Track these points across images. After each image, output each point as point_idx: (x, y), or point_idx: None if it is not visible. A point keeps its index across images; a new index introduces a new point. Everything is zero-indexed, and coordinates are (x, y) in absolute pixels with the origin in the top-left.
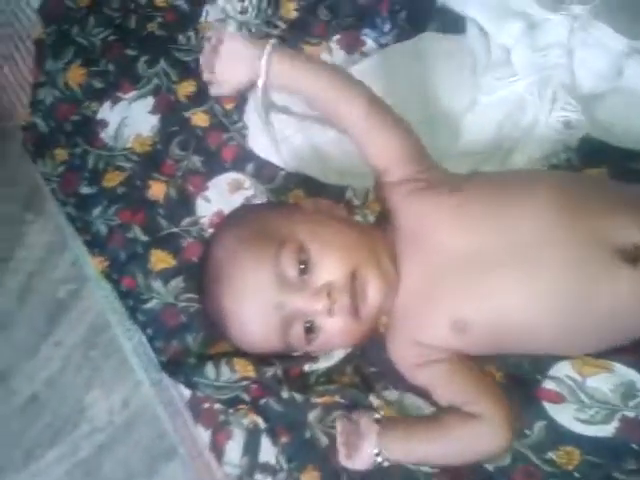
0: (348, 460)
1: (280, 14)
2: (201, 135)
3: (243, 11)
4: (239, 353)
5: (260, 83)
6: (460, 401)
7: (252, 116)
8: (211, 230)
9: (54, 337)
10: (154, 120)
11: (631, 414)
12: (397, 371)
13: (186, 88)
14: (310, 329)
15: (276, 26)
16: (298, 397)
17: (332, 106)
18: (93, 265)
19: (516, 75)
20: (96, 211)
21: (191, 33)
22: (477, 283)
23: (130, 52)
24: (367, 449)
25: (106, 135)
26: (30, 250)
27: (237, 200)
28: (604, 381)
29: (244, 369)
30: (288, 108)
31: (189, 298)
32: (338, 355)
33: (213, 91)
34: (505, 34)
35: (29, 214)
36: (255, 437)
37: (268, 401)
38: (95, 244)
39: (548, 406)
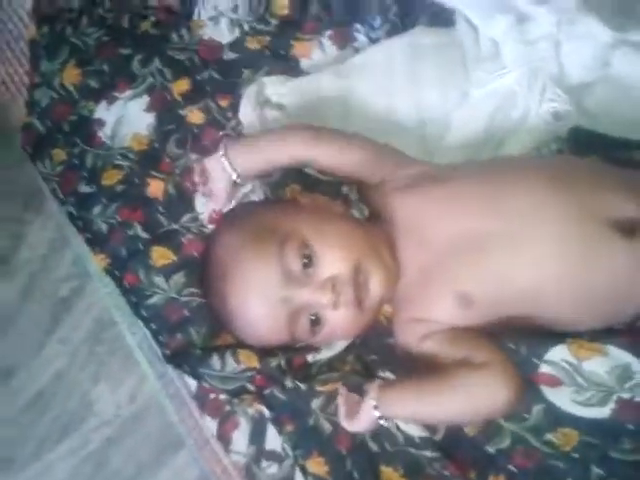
0: (348, 420)
1: (272, 10)
2: (197, 132)
3: (234, 9)
4: (243, 345)
5: (234, 177)
6: (464, 355)
7: (247, 112)
8: (210, 226)
9: (58, 334)
10: (150, 118)
11: (627, 396)
12: (398, 358)
13: (181, 86)
14: (315, 321)
15: (268, 23)
16: (302, 386)
17: (287, 154)
18: (95, 263)
19: (506, 68)
20: (96, 209)
21: (184, 31)
22: (476, 261)
23: (124, 51)
24: (366, 404)
25: (103, 134)
26: (31, 250)
27: (235, 196)
28: (600, 364)
29: (248, 360)
30: (282, 105)
31: (191, 292)
32: (340, 345)
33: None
34: (494, 28)
35: (29, 214)
36: (261, 426)
37: (272, 391)
38: (96, 242)
39: (545, 389)
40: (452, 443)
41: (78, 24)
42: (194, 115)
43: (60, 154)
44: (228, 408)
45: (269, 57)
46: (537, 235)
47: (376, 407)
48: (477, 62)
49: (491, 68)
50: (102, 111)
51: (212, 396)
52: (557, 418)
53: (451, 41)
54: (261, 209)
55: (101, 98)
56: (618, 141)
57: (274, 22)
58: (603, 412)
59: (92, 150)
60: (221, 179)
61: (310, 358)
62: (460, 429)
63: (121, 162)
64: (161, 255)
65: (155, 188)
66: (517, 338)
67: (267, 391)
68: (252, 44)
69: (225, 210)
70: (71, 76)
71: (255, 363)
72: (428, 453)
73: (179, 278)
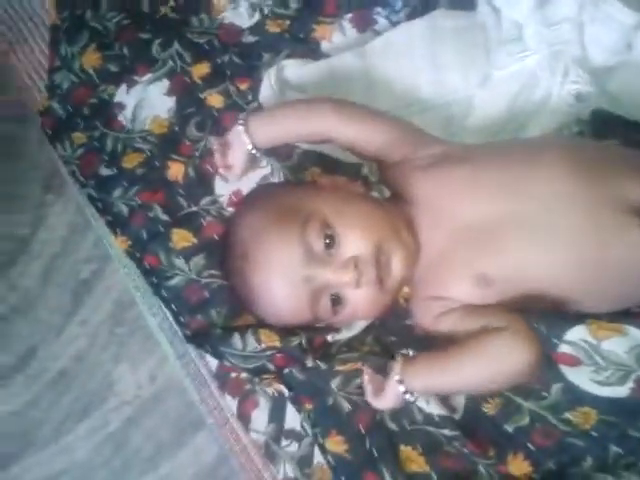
0: (375, 397)
1: None
2: (217, 116)
3: None
4: (264, 324)
5: (249, 147)
6: (482, 324)
7: (267, 95)
8: (230, 209)
9: (79, 316)
10: (170, 102)
11: None
12: (416, 339)
13: (200, 70)
14: (337, 301)
15: (288, 6)
16: (322, 365)
17: (308, 127)
18: (116, 245)
19: (528, 50)
20: (116, 192)
21: (204, 15)
22: (495, 244)
23: (144, 35)
24: (391, 380)
25: (124, 118)
26: (52, 232)
27: (254, 179)
28: (619, 344)
29: (269, 339)
30: (303, 86)
31: (211, 274)
32: (359, 325)
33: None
34: (516, 10)
35: (50, 196)
36: (280, 405)
37: (291, 370)
38: (117, 224)
39: (565, 369)
40: (471, 422)
41: (98, 8)
42: (214, 98)
43: (80, 137)
44: (248, 387)
45: (289, 40)
46: (556, 220)
47: (401, 381)
48: (499, 44)
49: (513, 50)
50: (122, 95)
51: (233, 375)
52: (576, 397)
53: (472, 24)
54: (282, 190)
55: (121, 82)
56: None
57: (294, 5)
58: (622, 391)
59: (112, 133)
60: (239, 149)
61: (330, 338)
62: (479, 408)
63: (141, 145)
64: (181, 237)
65: (175, 171)
66: (537, 318)
67: (286, 371)
68: (272, 27)
69: (240, 182)
70: (91, 60)
71: (276, 342)
72: (447, 432)
73: (199, 260)
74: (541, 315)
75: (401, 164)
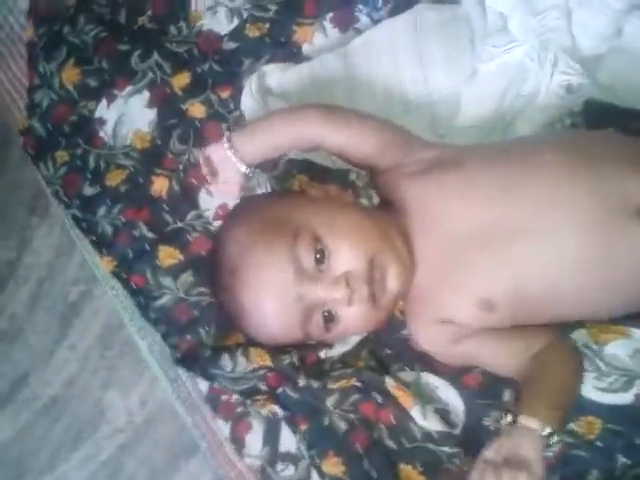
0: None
1: None
2: (199, 126)
3: None
4: (254, 343)
5: (243, 169)
6: (521, 354)
7: (249, 103)
8: (216, 223)
9: (69, 341)
10: (151, 114)
11: None
12: (412, 352)
13: (181, 80)
14: (329, 318)
15: (267, 9)
16: (315, 384)
17: (296, 135)
18: (102, 265)
19: (515, 41)
20: (101, 211)
21: (182, 24)
22: (495, 257)
23: (123, 47)
24: (531, 440)
25: (105, 134)
26: (37, 255)
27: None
28: (622, 347)
29: (260, 358)
30: (285, 92)
31: (200, 292)
32: (353, 340)
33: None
34: (501, 1)
35: (34, 218)
36: (275, 426)
37: (285, 390)
38: (102, 244)
39: None
40: (471, 437)
41: (75, 22)
42: (195, 109)
43: (63, 155)
44: (240, 409)
45: (270, 44)
46: (557, 225)
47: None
48: (484, 37)
49: (499, 42)
50: (103, 110)
51: (224, 398)
52: (579, 406)
53: (456, 16)
54: (270, 202)
55: (101, 97)
56: (634, 111)
57: (273, 8)
58: (626, 398)
59: (94, 150)
60: (231, 171)
61: (323, 354)
62: (479, 422)
63: (124, 161)
64: (168, 255)
65: (159, 186)
66: None
67: (280, 390)
68: (252, 32)
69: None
70: (70, 76)
71: (267, 361)
72: (447, 449)
73: (187, 277)
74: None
75: (392, 170)
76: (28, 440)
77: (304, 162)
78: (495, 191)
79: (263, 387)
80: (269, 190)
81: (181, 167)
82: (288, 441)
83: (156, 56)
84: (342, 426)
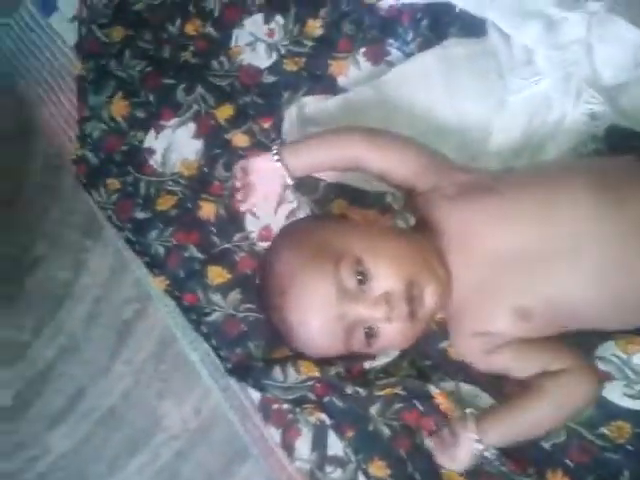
0: (447, 459)
1: (305, 32)
2: (243, 155)
3: (270, 33)
4: (302, 356)
5: (289, 181)
6: (540, 366)
7: (289, 132)
8: (260, 244)
9: (124, 356)
10: (198, 144)
11: None
12: (452, 362)
13: (224, 112)
14: (370, 334)
15: (303, 45)
16: (361, 392)
17: (339, 155)
18: (155, 284)
19: (540, 74)
20: (152, 234)
21: (223, 58)
22: (534, 272)
23: (167, 81)
24: (466, 439)
25: (154, 162)
26: (93, 275)
27: (282, 213)
28: None
29: (309, 370)
30: (323, 121)
31: (248, 308)
32: (395, 351)
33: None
34: (525, 35)
35: (88, 241)
36: (322, 432)
37: (331, 399)
38: (155, 265)
39: None
40: None
41: (121, 57)
42: (239, 138)
43: (114, 183)
44: (290, 417)
45: (307, 78)
46: (587, 246)
47: (479, 440)
48: (511, 69)
49: (526, 74)
50: (151, 140)
51: (275, 406)
52: (610, 412)
53: (483, 50)
54: (315, 226)
55: (149, 127)
56: None
57: (309, 43)
58: None
59: (145, 177)
60: (272, 185)
61: (367, 365)
62: None
63: (173, 187)
64: (217, 274)
65: (207, 210)
66: (568, 337)
67: (327, 399)
68: (289, 66)
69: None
70: (119, 108)
71: (315, 372)
72: (487, 452)
73: (235, 295)
74: (570, 333)
75: (429, 192)
76: (87, 450)
77: (342, 186)
78: (532, 212)
79: (311, 396)
80: (309, 213)
81: (227, 193)
82: (335, 446)
83: (200, 89)
84: (386, 432)
